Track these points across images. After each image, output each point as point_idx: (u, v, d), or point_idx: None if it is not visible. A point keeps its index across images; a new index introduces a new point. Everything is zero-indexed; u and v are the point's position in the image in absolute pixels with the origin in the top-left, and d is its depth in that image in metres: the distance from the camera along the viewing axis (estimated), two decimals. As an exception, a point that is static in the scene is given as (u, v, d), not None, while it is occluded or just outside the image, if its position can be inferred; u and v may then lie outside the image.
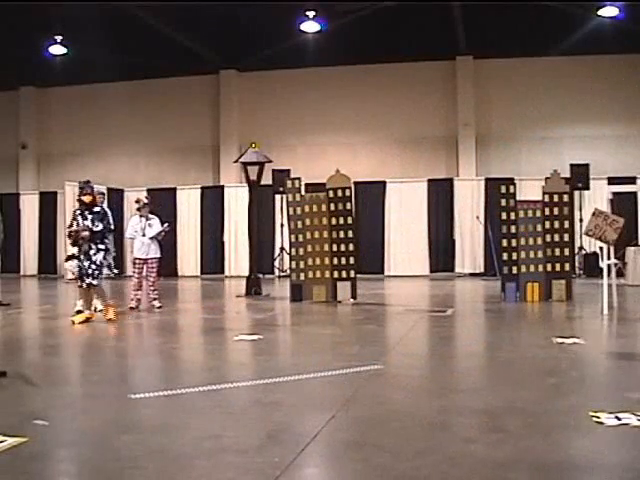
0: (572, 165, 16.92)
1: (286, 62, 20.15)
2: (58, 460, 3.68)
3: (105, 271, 9.21)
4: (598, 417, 4.07)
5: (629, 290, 13.05)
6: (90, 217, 8.90)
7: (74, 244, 8.89)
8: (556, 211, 11.09)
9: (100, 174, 21.11)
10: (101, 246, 8.93)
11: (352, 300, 11.33)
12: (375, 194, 18.71)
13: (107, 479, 3.30)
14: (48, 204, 20.25)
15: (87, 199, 8.97)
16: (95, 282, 8.89)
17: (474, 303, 12.27)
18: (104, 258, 9.00)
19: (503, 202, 11.22)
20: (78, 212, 8.99)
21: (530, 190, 14.70)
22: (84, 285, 8.93)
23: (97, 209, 9.04)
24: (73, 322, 8.89)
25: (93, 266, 8.83)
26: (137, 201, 11.11)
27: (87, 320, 8.99)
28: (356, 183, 15.93)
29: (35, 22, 16.56)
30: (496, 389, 5.08)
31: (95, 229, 8.83)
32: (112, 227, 9.26)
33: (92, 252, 8.86)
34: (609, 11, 16.15)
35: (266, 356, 6.74)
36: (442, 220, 18.48)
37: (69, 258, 9.12)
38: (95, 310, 10.26)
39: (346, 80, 20.65)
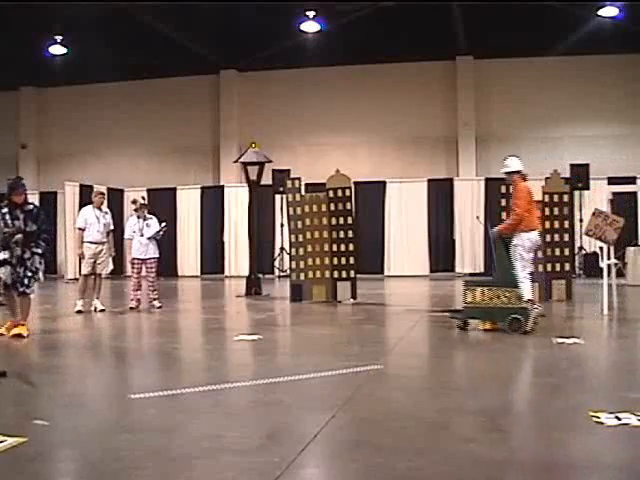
0: (572, 165, 16.92)
1: (286, 62, 20.16)
2: (58, 460, 3.68)
3: (40, 277, 7.99)
4: (598, 417, 4.07)
5: (629, 290, 13.06)
6: (22, 216, 7.73)
7: (5, 248, 7.65)
8: (556, 211, 11.10)
9: (100, 174, 21.15)
10: (36, 250, 7.80)
11: (352, 300, 11.33)
12: (375, 194, 18.72)
13: (107, 479, 3.30)
14: (48, 204, 20.15)
15: (19, 199, 7.76)
16: (28, 291, 7.77)
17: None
18: (39, 263, 7.86)
19: (503, 202, 11.22)
20: (5, 210, 7.75)
21: (530, 190, 14.67)
22: (15, 294, 7.80)
23: (30, 207, 7.85)
24: (1, 334, 7.80)
25: (29, 273, 7.71)
26: (134, 202, 11.12)
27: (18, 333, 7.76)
28: (356, 183, 15.93)
29: (35, 22, 16.56)
30: (496, 389, 5.07)
31: (28, 230, 7.72)
32: (47, 227, 8.08)
33: (26, 256, 7.71)
34: (609, 11, 16.16)
35: (266, 356, 6.74)
36: (442, 220, 18.48)
37: (0, 264, 7.69)
38: (95, 310, 10.28)
39: (346, 80, 20.66)
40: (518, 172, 8.11)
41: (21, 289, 7.73)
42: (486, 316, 7.77)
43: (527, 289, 7.70)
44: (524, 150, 19.61)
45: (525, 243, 7.77)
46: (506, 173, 8.23)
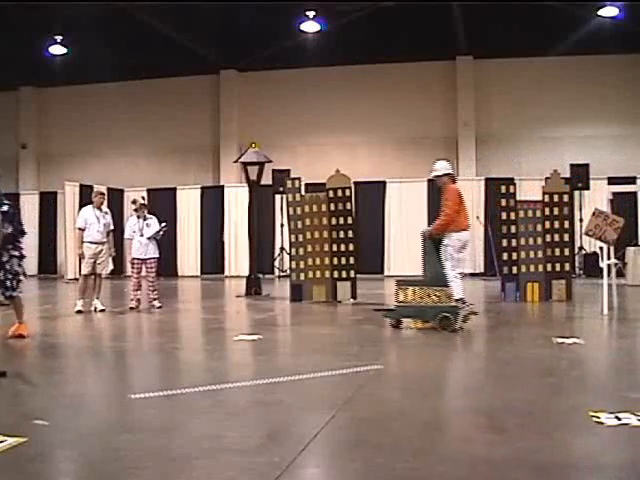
0: (572, 165, 16.92)
1: (286, 62, 20.16)
2: (58, 460, 3.68)
3: (22, 279, 7.70)
4: (598, 417, 4.07)
5: (629, 290, 13.06)
6: None
7: None
8: (556, 211, 11.09)
9: (100, 174, 21.13)
10: (14, 252, 7.49)
11: (352, 300, 11.33)
12: (375, 194, 18.71)
13: (107, 479, 3.30)
14: (48, 204, 20.25)
15: None
16: (15, 293, 7.54)
17: (474, 303, 12.25)
18: (19, 265, 7.63)
19: (503, 202, 11.23)
20: None
21: (530, 190, 14.70)
22: (3, 299, 7.63)
23: (5, 208, 7.44)
24: None
25: (9, 276, 7.45)
26: (134, 202, 11.12)
27: None
28: (356, 183, 15.91)
29: (35, 22, 16.56)
30: (496, 389, 5.08)
31: (5, 232, 7.35)
32: (24, 229, 7.72)
33: (5, 259, 7.40)
34: (609, 11, 16.16)
35: (266, 356, 6.73)
36: (442, 220, 18.45)
37: None
38: (95, 310, 10.28)
39: (346, 80, 20.65)
40: (447, 175, 8.54)
41: (7, 293, 7.52)
42: (417, 314, 8.05)
43: (457, 288, 7.99)
44: (524, 150, 19.69)
45: (455, 243, 8.14)
46: (436, 177, 8.62)
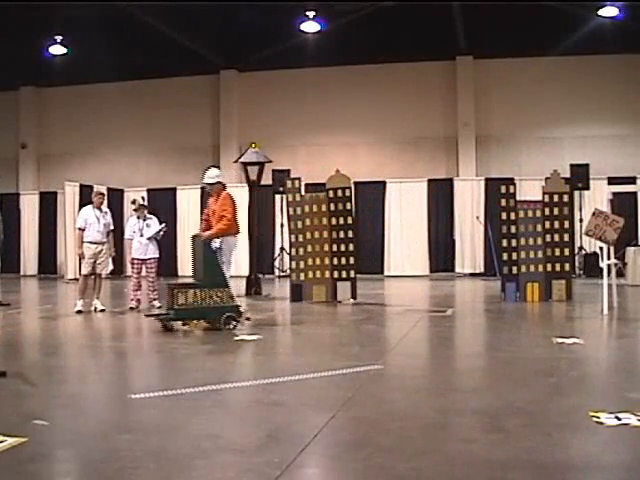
0: (572, 165, 16.93)
1: (286, 62, 20.16)
2: (58, 460, 3.68)
3: None
4: (598, 417, 4.07)
5: (629, 290, 13.06)
6: None
7: None
8: (556, 211, 11.09)
9: (100, 174, 21.14)
10: None
11: (352, 300, 11.33)
12: (375, 194, 18.71)
13: (107, 479, 3.30)
14: (48, 204, 20.25)
15: None
16: None
17: (474, 303, 12.27)
18: None
19: (503, 202, 11.22)
20: None
21: (530, 190, 14.70)
22: None
23: None
24: None
25: None
26: (133, 202, 11.14)
27: None
28: (356, 183, 15.92)
29: (35, 22, 16.58)
30: (496, 389, 5.07)
31: None
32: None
33: None
34: (609, 11, 16.18)
35: (266, 356, 6.73)
36: (442, 220, 18.48)
37: None
38: (95, 310, 10.28)
39: (346, 80, 20.65)
40: (219, 182, 9.01)
41: None
42: (199, 315, 8.30)
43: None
44: (524, 150, 19.69)
45: (231, 247, 8.62)
46: (208, 184, 9.05)
